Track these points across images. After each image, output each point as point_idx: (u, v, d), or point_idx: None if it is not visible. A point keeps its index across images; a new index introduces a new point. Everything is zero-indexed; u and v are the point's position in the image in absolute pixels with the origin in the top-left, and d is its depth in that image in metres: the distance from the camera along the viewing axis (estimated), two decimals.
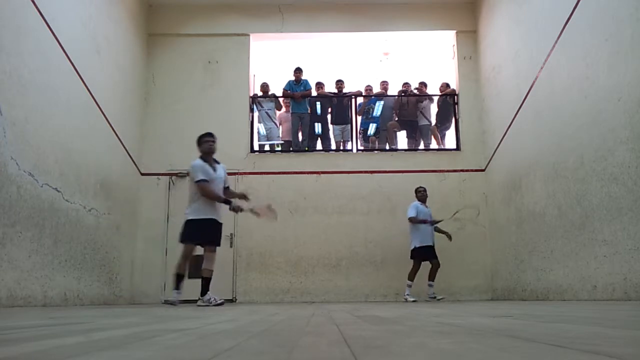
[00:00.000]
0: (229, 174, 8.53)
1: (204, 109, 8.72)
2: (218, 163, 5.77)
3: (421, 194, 7.63)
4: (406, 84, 9.13)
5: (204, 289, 5.49)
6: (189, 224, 5.55)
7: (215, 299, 5.43)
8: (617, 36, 4.65)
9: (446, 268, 7.92)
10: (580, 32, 5.37)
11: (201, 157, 5.66)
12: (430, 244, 7.38)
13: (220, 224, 5.66)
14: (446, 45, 9.34)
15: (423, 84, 9.18)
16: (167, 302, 5.70)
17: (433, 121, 9.04)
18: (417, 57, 10.11)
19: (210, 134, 5.75)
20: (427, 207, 7.60)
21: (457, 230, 8.23)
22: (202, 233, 5.49)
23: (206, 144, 5.67)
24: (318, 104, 9.04)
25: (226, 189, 5.82)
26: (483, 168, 8.51)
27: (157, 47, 8.92)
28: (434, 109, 9.13)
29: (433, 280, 7.38)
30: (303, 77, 8.99)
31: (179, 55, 8.92)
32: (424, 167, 8.53)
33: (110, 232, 7.18)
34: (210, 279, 5.53)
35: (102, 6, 7.12)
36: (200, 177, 5.49)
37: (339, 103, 9.05)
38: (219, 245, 5.66)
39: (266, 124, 8.89)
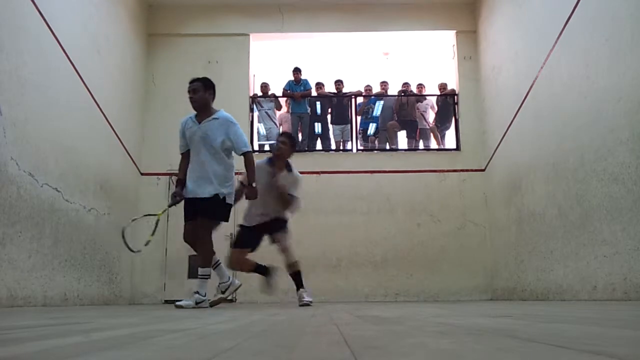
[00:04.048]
0: None
1: None
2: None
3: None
4: (406, 84, 9.14)
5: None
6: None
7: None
8: (617, 36, 4.65)
9: (446, 268, 7.91)
10: (580, 32, 5.37)
11: None
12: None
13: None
14: (446, 45, 9.34)
15: (421, 86, 9.19)
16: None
17: (432, 123, 9.07)
18: (417, 57, 10.12)
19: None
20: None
21: (457, 230, 8.25)
22: None
23: None
24: (318, 104, 9.04)
25: None
26: (483, 168, 8.51)
27: (157, 47, 8.92)
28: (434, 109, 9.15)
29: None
30: (303, 77, 8.99)
31: (179, 55, 8.92)
32: (424, 167, 8.54)
33: (110, 232, 7.17)
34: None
35: (102, 6, 7.12)
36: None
37: (338, 103, 9.05)
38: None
39: (266, 124, 8.89)
